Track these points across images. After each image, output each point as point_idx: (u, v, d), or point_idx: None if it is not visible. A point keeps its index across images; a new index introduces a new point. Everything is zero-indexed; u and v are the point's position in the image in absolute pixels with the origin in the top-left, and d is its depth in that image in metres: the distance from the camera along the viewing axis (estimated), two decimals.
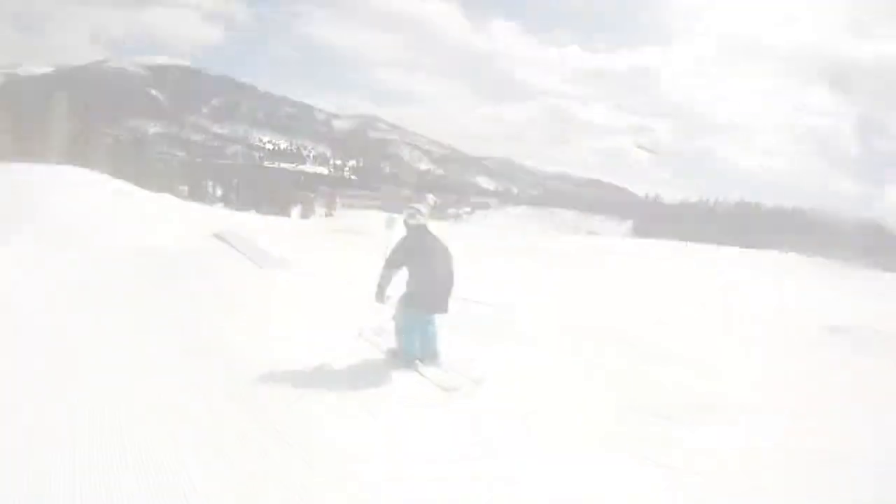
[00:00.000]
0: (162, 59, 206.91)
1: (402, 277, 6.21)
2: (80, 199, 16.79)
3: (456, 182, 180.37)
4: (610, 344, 8.71)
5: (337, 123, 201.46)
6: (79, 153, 50.27)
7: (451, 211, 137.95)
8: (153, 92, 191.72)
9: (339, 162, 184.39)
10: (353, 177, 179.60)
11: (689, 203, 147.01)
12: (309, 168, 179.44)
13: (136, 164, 62.67)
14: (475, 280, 9.70)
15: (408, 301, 6.14)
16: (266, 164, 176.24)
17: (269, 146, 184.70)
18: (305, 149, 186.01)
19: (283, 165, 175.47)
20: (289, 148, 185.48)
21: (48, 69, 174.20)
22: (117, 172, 30.86)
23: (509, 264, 21.04)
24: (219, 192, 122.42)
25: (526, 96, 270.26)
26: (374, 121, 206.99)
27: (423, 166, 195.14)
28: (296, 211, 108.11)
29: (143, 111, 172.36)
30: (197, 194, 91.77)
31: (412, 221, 6.24)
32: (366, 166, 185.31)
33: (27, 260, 10.50)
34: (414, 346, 6.21)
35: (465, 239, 22.66)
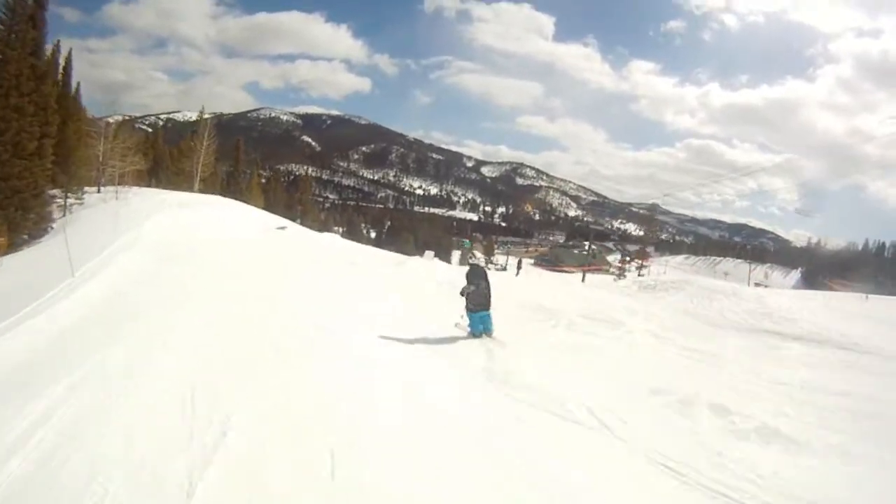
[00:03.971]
0: (313, 109, 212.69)
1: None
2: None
3: (606, 229, 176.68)
4: None
5: (485, 170, 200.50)
6: (234, 189, 57.49)
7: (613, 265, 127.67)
8: (305, 138, 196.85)
9: (488, 208, 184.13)
10: (502, 223, 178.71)
11: (854, 248, 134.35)
12: (459, 214, 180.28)
13: (290, 204, 64.03)
14: None
15: (468, 305, 11.20)
16: (416, 208, 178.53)
17: (420, 192, 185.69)
18: (455, 195, 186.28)
19: (433, 211, 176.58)
20: (439, 194, 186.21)
21: (204, 116, 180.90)
22: (271, 209, 30.84)
23: None
24: (372, 235, 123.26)
25: (668, 139, 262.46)
26: (521, 167, 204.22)
27: (572, 213, 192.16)
28: (455, 256, 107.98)
29: (296, 156, 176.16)
30: (352, 236, 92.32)
31: (472, 261, 12.18)
32: (515, 213, 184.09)
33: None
34: (478, 329, 11.16)
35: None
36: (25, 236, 22.16)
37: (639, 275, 57.44)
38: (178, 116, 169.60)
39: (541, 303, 16.86)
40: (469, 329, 11.28)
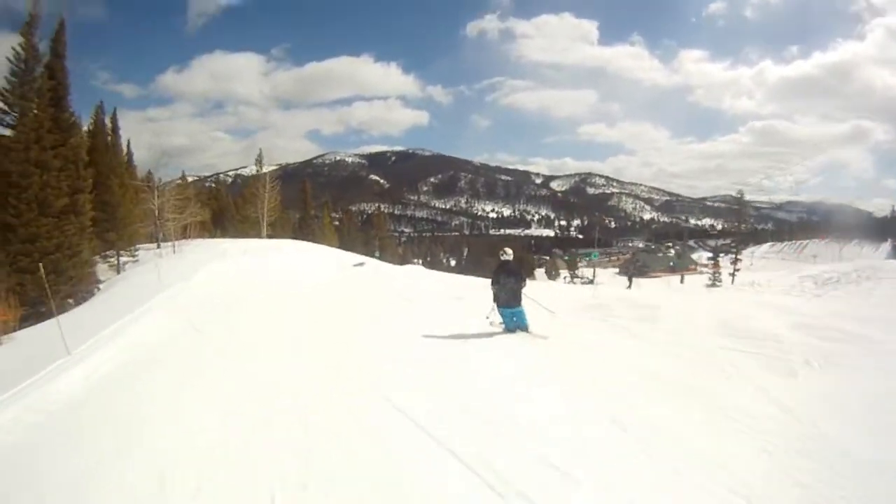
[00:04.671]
0: (376, 147, 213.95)
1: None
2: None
3: (684, 227, 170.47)
4: None
5: (554, 184, 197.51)
6: (307, 232, 58.09)
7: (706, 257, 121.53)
8: (373, 177, 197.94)
9: (563, 222, 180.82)
10: (579, 235, 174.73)
11: None
12: (535, 231, 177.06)
13: (366, 241, 62.20)
14: None
15: (496, 301, 11.22)
16: (492, 232, 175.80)
17: (493, 215, 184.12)
18: (528, 213, 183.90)
19: (509, 232, 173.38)
20: (512, 214, 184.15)
21: (271, 167, 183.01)
22: (347, 248, 28.64)
23: None
24: (452, 263, 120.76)
25: (730, 125, 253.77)
26: (590, 177, 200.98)
27: (647, 215, 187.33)
28: (540, 273, 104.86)
29: (366, 195, 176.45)
30: (432, 266, 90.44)
31: (503, 258, 11.61)
32: (591, 223, 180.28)
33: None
34: (510, 324, 11.18)
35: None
36: (70, 301, 20.09)
37: (734, 270, 52.55)
38: (245, 171, 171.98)
39: (729, 321, 11.76)
40: (502, 324, 11.39)
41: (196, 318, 13.31)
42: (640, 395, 7.22)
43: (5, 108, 20.02)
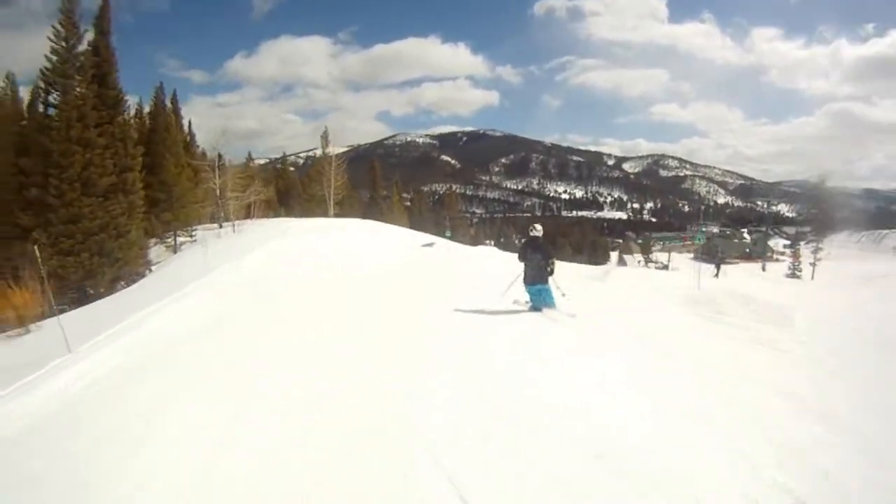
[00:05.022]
0: (447, 128, 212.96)
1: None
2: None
3: (761, 213, 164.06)
4: None
5: (627, 166, 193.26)
6: (375, 211, 56.14)
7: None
8: (444, 158, 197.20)
9: (636, 205, 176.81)
10: (652, 219, 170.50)
11: None
12: (608, 214, 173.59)
13: (438, 221, 60.78)
14: None
15: (524, 279, 10.75)
16: (564, 213, 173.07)
17: (565, 196, 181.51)
18: (601, 195, 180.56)
19: (581, 214, 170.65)
20: (584, 196, 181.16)
21: (341, 149, 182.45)
22: (417, 228, 27.09)
23: None
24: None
25: (805, 107, 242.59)
26: (662, 158, 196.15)
27: (721, 200, 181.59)
28: (613, 258, 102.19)
29: (437, 176, 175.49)
30: (502, 246, 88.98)
31: (532, 233, 10.91)
32: (664, 206, 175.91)
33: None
34: (537, 301, 10.60)
35: None
36: (122, 283, 19.35)
37: (815, 260, 49.38)
38: (316, 153, 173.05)
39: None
40: (529, 303, 10.93)
41: (228, 308, 11.52)
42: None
43: (47, 86, 19.37)
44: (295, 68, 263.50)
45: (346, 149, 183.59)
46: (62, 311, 14.77)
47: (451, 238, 25.81)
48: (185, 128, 38.21)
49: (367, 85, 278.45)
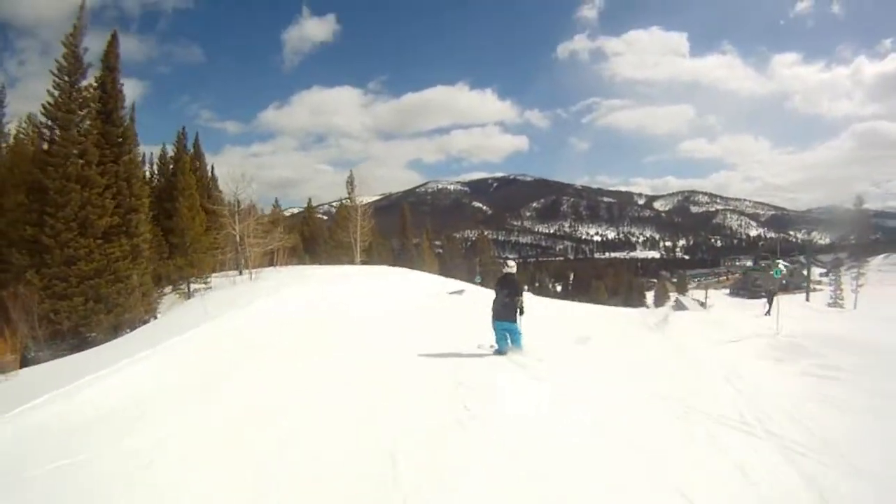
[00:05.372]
0: (478, 175, 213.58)
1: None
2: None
3: (793, 243, 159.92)
4: None
5: (657, 204, 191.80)
6: (405, 258, 55.42)
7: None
8: (476, 204, 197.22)
9: (668, 243, 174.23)
10: (685, 256, 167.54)
11: None
12: (640, 254, 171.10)
13: (470, 268, 59.18)
14: None
15: (492, 314, 10.13)
16: (597, 255, 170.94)
17: (597, 238, 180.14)
18: (633, 235, 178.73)
19: (614, 255, 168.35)
20: (616, 237, 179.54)
21: (373, 197, 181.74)
22: (449, 275, 25.54)
23: None
24: (558, 288, 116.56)
25: (830, 130, 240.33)
26: (693, 195, 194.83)
27: (753, 232, 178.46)
28: (650, 298, 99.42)
29: (469, 223, 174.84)
30: (536, 291, 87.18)
31: (505, 269, 10.57)
32: (696, 242, 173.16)
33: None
34: (502, 342, 9.96)
35: None
36: (128, 330, 17.91)
37: (857, 286, 46.91)
38: (348, 202, 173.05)
39: None
40: (494, 346, 10.20)
41: (196, 369, 9.66)
42: None
43: (49, 122, 18.28)
44: (326, 118, 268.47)
45: (377, 197, 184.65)
46: (58, 356, 13.50)
47: (481, 283, 23.63)
48: (209, 172, 37.17)
49: (398, 133, 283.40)
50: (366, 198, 49.07)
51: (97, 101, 19.25)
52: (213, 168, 38.59)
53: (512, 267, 10.62)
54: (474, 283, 26.26)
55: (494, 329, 10.08)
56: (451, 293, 26.25)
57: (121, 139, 20.07)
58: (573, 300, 78.78)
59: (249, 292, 20.51)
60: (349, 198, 48.68)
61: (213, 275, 28.24)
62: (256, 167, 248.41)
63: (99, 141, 18.80)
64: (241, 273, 29.51)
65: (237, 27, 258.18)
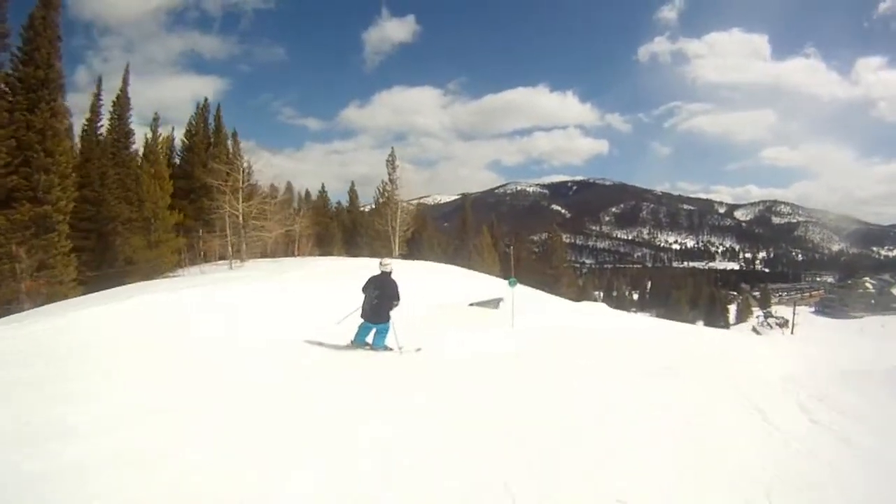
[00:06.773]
0: (557, 177, 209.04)
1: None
2: None
3: (875, 259, 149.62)
4: None
5: (738, 214, 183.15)
6: (461, 254, 51.03)
7: None
8: (554, 207, 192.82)
9: (748, 255, 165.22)
10: (765, 269, 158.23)
11: None
12: (719, 264, 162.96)
13: (543, 272, 56.14)
14: None
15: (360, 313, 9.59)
16: (675, 264, 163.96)
17: (676, 246, 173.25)
18: (713, 245, 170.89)
19: (692, 265, 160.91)
20: (696, 245, 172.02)
21: (452, 197, 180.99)
22: (521, 278, 22.10)
23: None
24: (635, 296, 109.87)
25: None
26: (775, 205, 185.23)
27: (836, 246, 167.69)
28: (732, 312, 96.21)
29: (547, 226, 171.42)
30: (612, 299, 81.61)
31: (381, 268, 9.60)
32: (776, 255, 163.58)
33: None
34: (361, 338, 9.49)
35: None
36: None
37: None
38: (429, 201, 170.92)
39: None
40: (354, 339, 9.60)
41: None
42: None
43: None
44: (407, 117, 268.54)
45: (457, 196, 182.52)
46: None
47: (513, 284, 15.94)
48: (229, 148, 33.07)
49: (478, 134, 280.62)
50: (443, 196, 44.73)
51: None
52: (234, 133, 35.63)
53: (387, 265, 9.74)
54: (509, 284, 18.76)
55: (360, 328, 9.54)
56: (472, 304, 18.89)
57: (41, 84, 16.37)
58: (649, 311, 72.27)
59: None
60: (389, 179, 42.98)
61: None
62: (339, 164, 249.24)
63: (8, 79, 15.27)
64: (231, 268, 25.01)
65: (318, 27, 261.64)
